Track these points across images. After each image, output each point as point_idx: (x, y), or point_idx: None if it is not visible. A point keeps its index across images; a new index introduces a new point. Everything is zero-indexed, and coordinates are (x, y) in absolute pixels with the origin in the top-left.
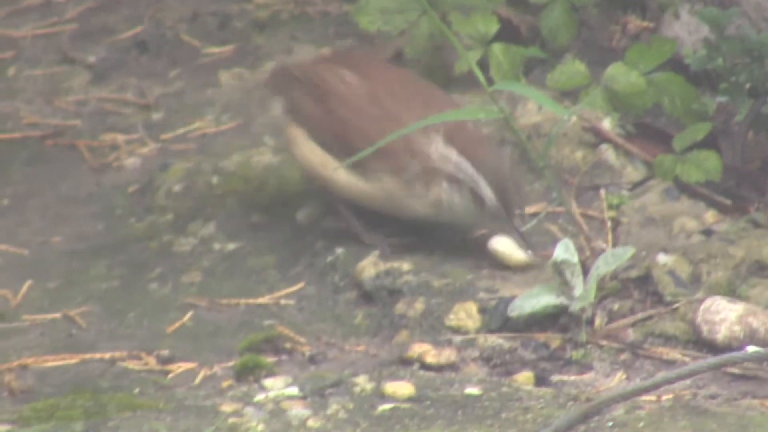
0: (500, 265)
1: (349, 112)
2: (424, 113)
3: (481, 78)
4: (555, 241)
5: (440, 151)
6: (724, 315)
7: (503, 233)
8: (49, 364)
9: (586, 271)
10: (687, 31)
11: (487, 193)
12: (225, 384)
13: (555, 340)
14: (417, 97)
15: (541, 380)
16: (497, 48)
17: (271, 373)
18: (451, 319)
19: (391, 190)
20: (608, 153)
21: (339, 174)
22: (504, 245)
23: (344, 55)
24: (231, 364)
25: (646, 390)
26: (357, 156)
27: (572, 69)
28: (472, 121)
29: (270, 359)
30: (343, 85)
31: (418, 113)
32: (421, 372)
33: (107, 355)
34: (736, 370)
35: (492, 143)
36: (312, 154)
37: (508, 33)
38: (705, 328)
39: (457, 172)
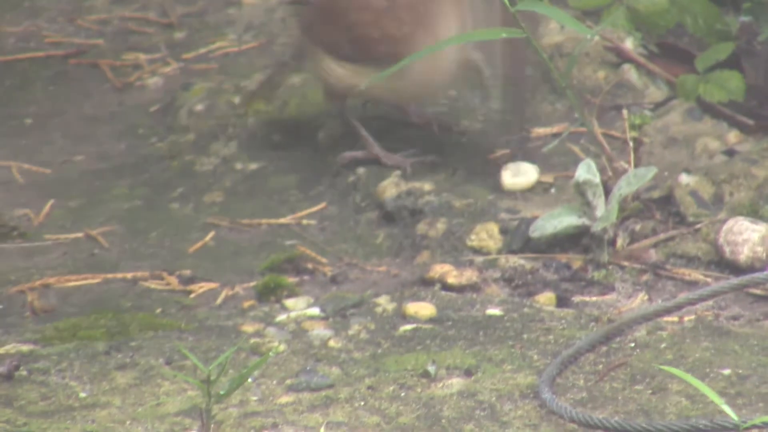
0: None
1: (359, 14)
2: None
3: None
4: (577, 160)
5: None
6: (746, 235)
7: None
8: (72, 283)
9: (608, 192)
10: None
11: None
12: (246, 304)
13: (577, 260)
14: None
15: (562, 301)
16: None
17: (292, 294)
18: (473, 240)
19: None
20: (630, 73)
21: (362, 78)
22: (509, 175)
23: None
24: (252, 284)
25: (668, 311)
26: (400, 63)
27: None
28: None
29: (291, 279)
30: None
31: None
32: (443, 293)
33: (129, 275)
34: (758, 291)
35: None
36: (345, 71)
37: None
38: (727, 249)
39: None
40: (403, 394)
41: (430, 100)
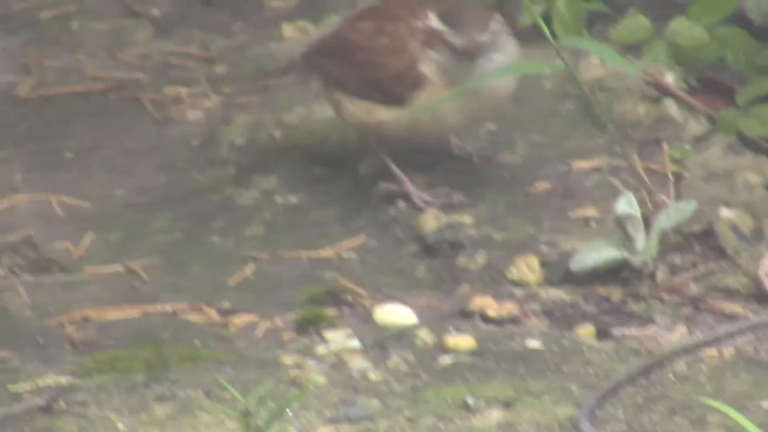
0: None
1: (365, 54)
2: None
3: (546, 31)
4: (617, 194)
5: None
6: None
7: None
8: (111, 316)
9: (648, 225)
10: None
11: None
12: (286, 336)
13: (616, 293)
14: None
15: (602, 333)
16: (561, 1)
17: (332, 326)
18: (513, 272)
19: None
20: (671, 107)
21: (382, 114)
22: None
23: (372, 9)
24: (292, 316)
25: (708, 344)
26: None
27: (635, 23)
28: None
29: (331, 312)
30: (357, 34)
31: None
32: (482, 325)
33: (169, 308)
34: None
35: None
36: (355, 108)
37: None
38: (767, 282)
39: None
40: (442, 426)
41: (456, 134)
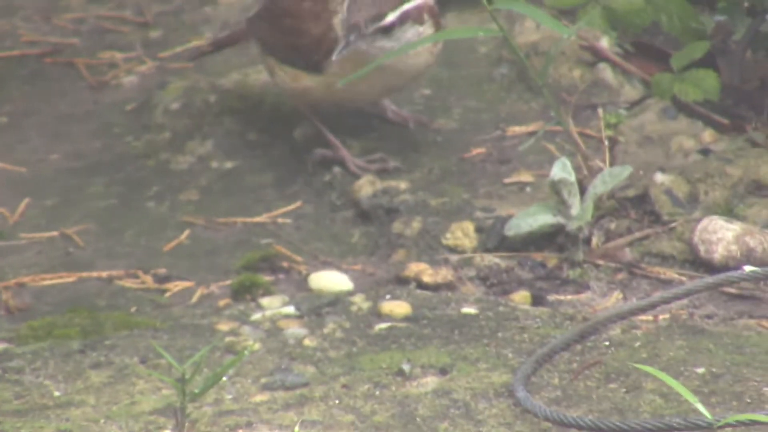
0: None
1: (290, 19)
2: None
3: None
4: (552, 159)
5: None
6: (721, 234)
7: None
8: (47, 282)
9: (583, 190)
10: None
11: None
12: (222, 303)
13: (552, 259)
14: None
15: (537, 299)
16: None
17: (268, 292)
18: (448, 239)
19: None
20: (606, 72)
21: (306, 81)
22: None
23: None
24: (228, 282)
25: (642, 309)
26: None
27: None
28: None
29: (267, 278)
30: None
31: None
32: (418, 291)
33: (104, 274)
34: (732, 290)
35: None
36: (284, 74)
37: None
38: (702, 248)
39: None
40: (377, 393)
41: (376, 101)
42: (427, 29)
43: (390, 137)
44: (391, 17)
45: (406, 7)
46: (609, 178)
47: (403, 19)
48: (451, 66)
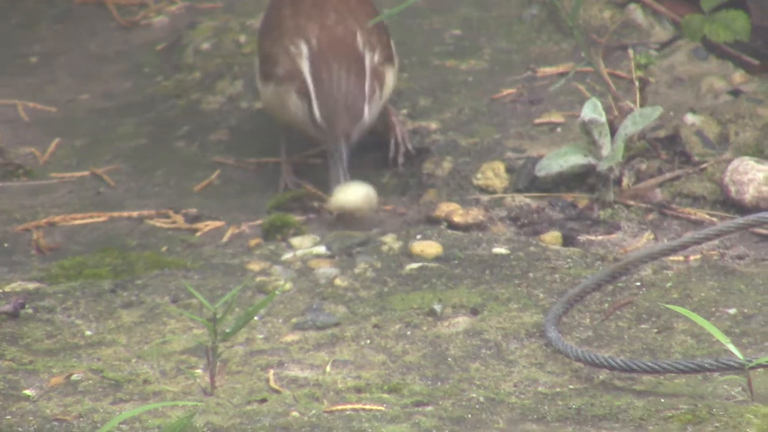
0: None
1: (261, 28)
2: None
3: None
4: (583, 100)
5: (298, 61)
6: (752, 175)
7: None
8: (77, 222)
9: (613, 131)
10: None
11: (316, 111)
12: (253, 242)
13: (582, 199)
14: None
15: (568, 240)
16: None
17: (298, 232)
18: (479, 179)
19: (271, 96)
20: (636, 12)
21: (259, 84)
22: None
23: None
24: (258, 222)
25: (673, 250)
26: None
27: None
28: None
29: (298, 218)
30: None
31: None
32: (449, 231)
33: (135, 213)
34: (763, 231)
35: (358, 60)
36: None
37: None
38: (733, 189)
39: (301, 86)
40: (408, 333)
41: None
42: (384, 86)
43: (420, 77)
44: (366, 109)
45: (367, 86)
46: (639, 119)
47: (372, 97)
48: (482, 6)
